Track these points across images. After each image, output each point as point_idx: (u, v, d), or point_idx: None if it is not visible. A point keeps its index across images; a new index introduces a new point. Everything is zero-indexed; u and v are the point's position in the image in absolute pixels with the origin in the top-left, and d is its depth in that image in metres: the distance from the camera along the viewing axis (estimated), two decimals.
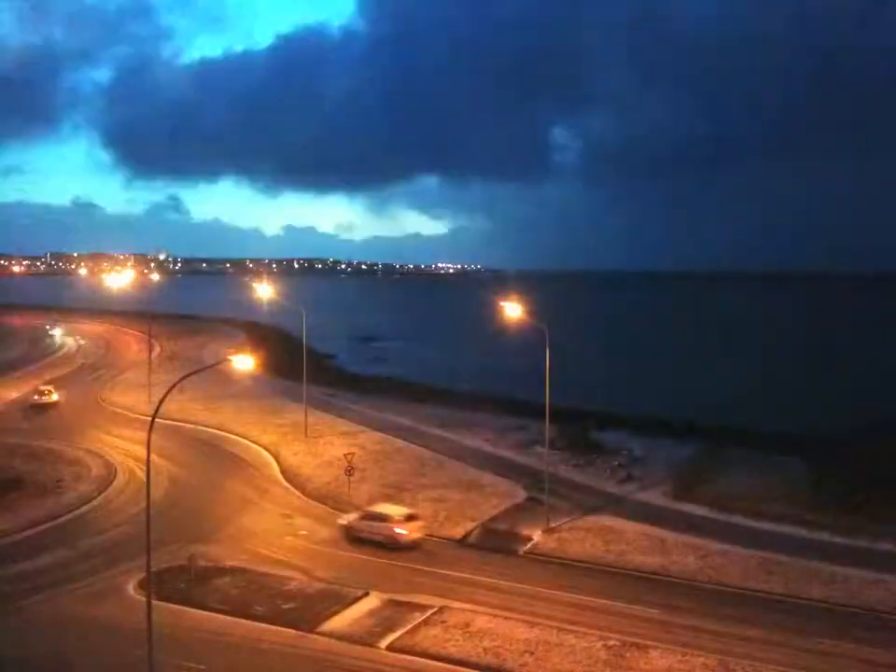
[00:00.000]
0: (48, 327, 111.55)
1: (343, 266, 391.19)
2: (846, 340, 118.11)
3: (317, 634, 26.69)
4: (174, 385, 23.48)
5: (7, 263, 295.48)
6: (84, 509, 39.61)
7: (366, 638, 26.34)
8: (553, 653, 25.28)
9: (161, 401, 23.14)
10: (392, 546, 33.68)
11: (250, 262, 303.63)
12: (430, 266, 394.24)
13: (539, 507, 38.18)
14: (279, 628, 27.03)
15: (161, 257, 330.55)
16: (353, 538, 35.13)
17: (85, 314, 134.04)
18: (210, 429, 56.41)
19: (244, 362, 24.07)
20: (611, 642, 25.98)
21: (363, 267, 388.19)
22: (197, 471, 46.01)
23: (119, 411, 62.92)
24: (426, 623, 27.35)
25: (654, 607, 29.08)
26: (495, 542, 35.39)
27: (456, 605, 28.86)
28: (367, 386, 68.84)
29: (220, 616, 27.93)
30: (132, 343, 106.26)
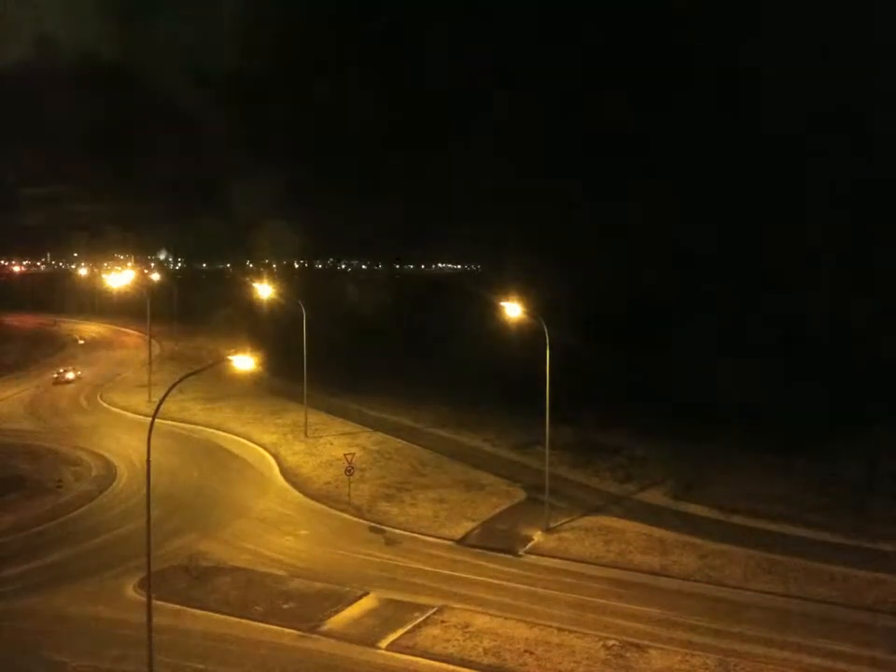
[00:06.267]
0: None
1: (343, 266, 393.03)
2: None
3: (317, 634, 26.71)
4: (174, 385, 23.52)
5: (7, 263, 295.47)
6: (84, 509, 39.62)
7: (366, 638, 26.36)
8: (553, 653, 25.32)
9: (161, 401, 23.20)
10: None
11: (249, 262, 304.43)
12: (430, 266, 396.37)
13: (538, 507, 38.18)
14: (279, 628, 27.05)
15: (162, 256, 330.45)
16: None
17: (85, 314, 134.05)
18: (210, 429, 56.39)
19: (244, 362, 24.08)
20: (611, 642, 26.01)
21: (363, 267, 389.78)
22: (197, 471, 46.02)
23: (119, 411, 62.91)
24: (426, 622, 27.39)
25: (654, 607, 29.09)
26: (495, 542, 35.39)
27: (456, 605, 28.88)
28: (367, 386, 68.84)
29: (220, 616, 27.94)
30: (131, 344, 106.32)
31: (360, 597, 29.38)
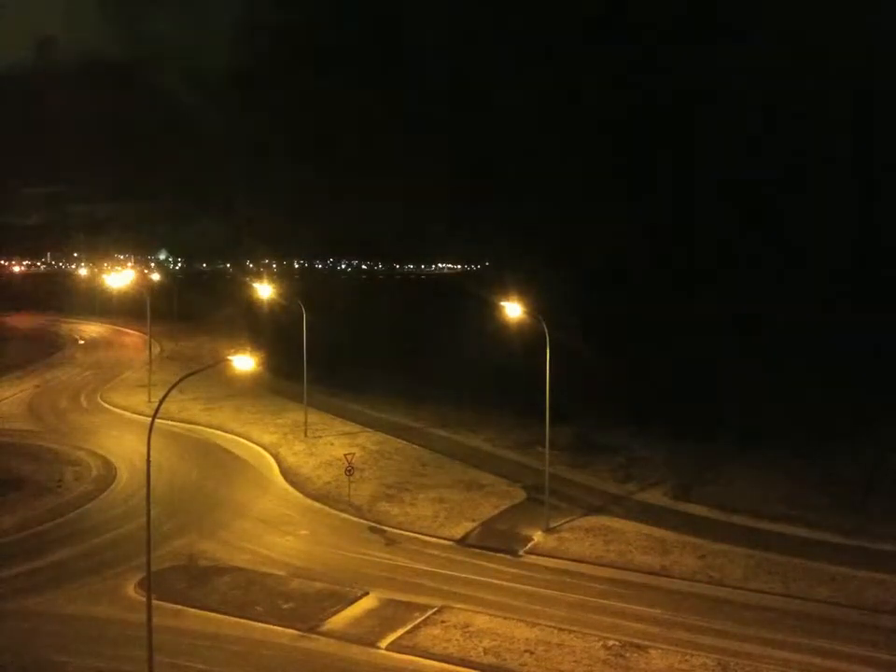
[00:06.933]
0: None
1: (343, 266, 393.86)
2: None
3: (317, 634, 26.70)
4: (174, 385, 23.51)
5: (7, 263, 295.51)
6: (84, 509, 39.59)
7: (366, 638, 26.36)
8: (553, 653, 25.31)
9: (161, 401, 23.18)
10: None
11: (250, 262, 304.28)
12: (430, 266, 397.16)
13: (539, 507, 38.18)
14: (279, 628, 27.05)
15: (162, 256, 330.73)
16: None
17: (85, 314, 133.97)
18: (210, 429, 56.36)
19: (244, 362, 24.07)
20: (611, 642, 26.00)
21: (363, 267, 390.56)
22: (197, 471, 46.00)
23: (119, 411, 62.86)
24: (426, 622, 27.38)
25: (654, 607, 29.09)
26: (495, 542, 35.39)
27: (456, 605, 28.88)
28: (367, 386, 68.84)
29: (220, 616, 27.94)
30: (131, 344, 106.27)
31: (360, 597, 29.37)
